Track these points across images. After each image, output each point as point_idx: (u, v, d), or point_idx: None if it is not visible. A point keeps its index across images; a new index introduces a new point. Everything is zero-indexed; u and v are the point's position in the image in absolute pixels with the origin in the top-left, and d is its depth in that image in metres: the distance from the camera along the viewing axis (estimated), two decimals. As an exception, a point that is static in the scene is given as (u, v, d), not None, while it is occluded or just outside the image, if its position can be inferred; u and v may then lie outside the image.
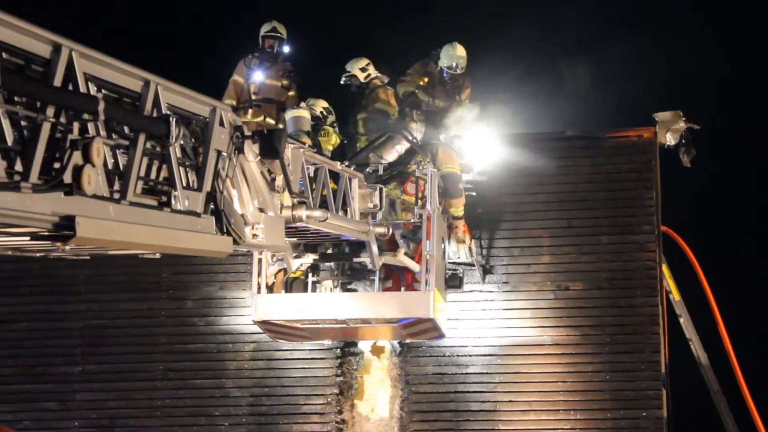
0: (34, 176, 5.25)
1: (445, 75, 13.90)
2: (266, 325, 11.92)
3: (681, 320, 14.41)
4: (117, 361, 14.06)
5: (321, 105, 13.60)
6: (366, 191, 10.71)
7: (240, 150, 7.52)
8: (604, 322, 13.62)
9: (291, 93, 15.31)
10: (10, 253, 6.73)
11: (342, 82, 14.11)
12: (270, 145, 7.76)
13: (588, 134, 14.13)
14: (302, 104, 13.35)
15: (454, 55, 13.92)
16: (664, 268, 14.05)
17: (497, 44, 16.20)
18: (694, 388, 14.36)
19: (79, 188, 5.50)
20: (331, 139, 13.32)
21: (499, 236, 13.99)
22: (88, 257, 7.46)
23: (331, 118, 13.62)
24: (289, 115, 12.67)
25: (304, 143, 9.21)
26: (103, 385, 14.13)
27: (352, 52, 14.44)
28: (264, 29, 15.41)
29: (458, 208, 13.20)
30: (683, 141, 14.22)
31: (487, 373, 13.59)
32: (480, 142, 14.29)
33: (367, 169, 12.23)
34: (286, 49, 15.44)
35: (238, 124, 7.50)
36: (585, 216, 13.91)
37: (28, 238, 5.66)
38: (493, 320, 13.76)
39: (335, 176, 10.20)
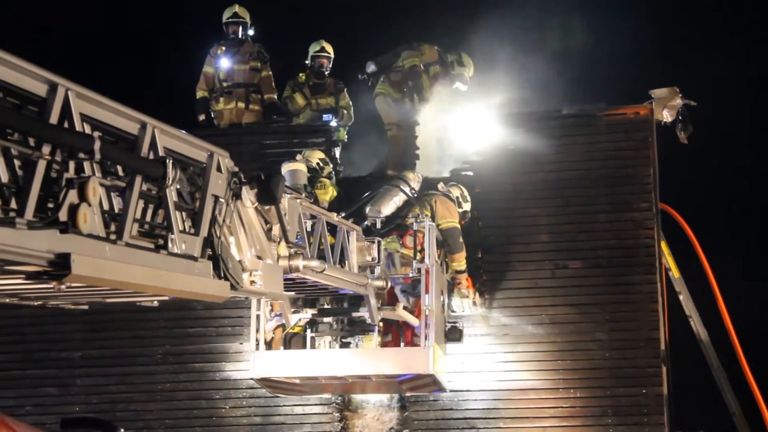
0: (29, 213, 5.25)
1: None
2: (265, 381, 12.00)
3: (680, 297, 14.41)
4: (117, 345, 14.07)
5: (317, 156, 13.51)
6: (364, 244, 10.75)
7: (237, 196, 7.52)
8: (603, 300, 13.61)
9: (264, 74, 15.38)
10: (8, 300, 6.73)
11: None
12: (267, 190, 7.75)
13: (584, 112, 14.08)
14: (298, 157, 13.31)
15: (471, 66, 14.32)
16: (663, 245, 14.05)
17: (491, 22, 16.18)
18: (694, 365, 14.37)
19: (74, 226, 5.51)
20: (328, 192, 13.28)
21: (496, 215, 13.98)
22: (87, 306, 7.45)
23: (328, 169, 13.54)
24: (286, 168, 12.64)
25: (301, 194, 9.19)
26: (104, 370, 14.15)
27: (325, 29, 14.61)
28: (225, 15, 15.54)
29: (460, 262, 13.17)
30: (680, 117, 14.22)
31: (486, 353, 13.57)
32: (476, 121, 14.32)
33: (365, 223, 12.23)
34: (251, 32, 15.51)
35: (236, 170, 7.50)
36: (582, 194, 13.89)
37: (24, 277, 5.63)
38: (490, 299, 13.75)
39: (333, 230, 10.21)
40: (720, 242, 15.30)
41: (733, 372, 14.06)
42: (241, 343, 13.83)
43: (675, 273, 14.35)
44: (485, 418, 13.50)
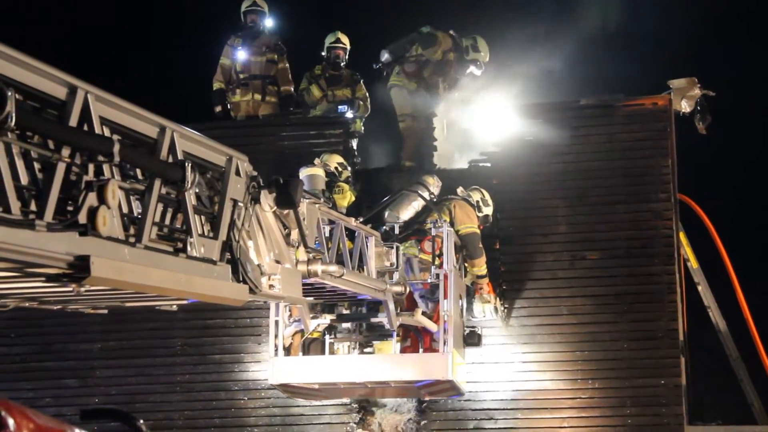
0: (48, 215, 5.26)
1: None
2: (284, 387, 12.06)
3: (699, 288, 14.37)
4: (136, 337, 14.11)
5: (335, 161, 13.48)
6: (382, 250, 10.76)
7: (256, 200, 7.53)
8: (622, 291, 13.60)
9: (280, 65, 15.37)
10: (27, 304, 6.74)
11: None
12: (286, 194, 7.74)
13: (603, 103, 14.06)
14: (316, 161, 13.28)
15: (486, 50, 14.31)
16: (681, 235, 14.02)
17: (508, 11, 16.15)
18: (712, 356, 14.35)
19: (94, 229, 5.50)
20: (346, 196, 13.27)
21: (514, 207, 13.96)
22: (106, 311, 7.48)
23: (346, 173, 13.53)
24: (304, 173, 12.64)
25: (319, 198, 9.17)
26: (123, 362, 14.19)
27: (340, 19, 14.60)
28: (245, 5, 15.54)
29: (481, 267, 13.15)
30: (698, 108, 14.16)
31: (504, 344, 13.58)
32: (493, 113, 14.29)
33: (383, 228, 12.19)
34: (269, 22, 15.58)
35: (254, 174, 7.50)
36: (601, 185, 13.86)
37: (43, 280, 5.64)
38: (507, 290, 13.75)
39: (351, 235, 10.22)
40: (738, 232, 15.24)
41: (751, 362, 14.02)
42: (259, 343, 13.84)
43: (693, 264, 14.31)
44: (503, 409, 13.51)
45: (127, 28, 20.11)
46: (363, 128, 15.47)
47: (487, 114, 14.44)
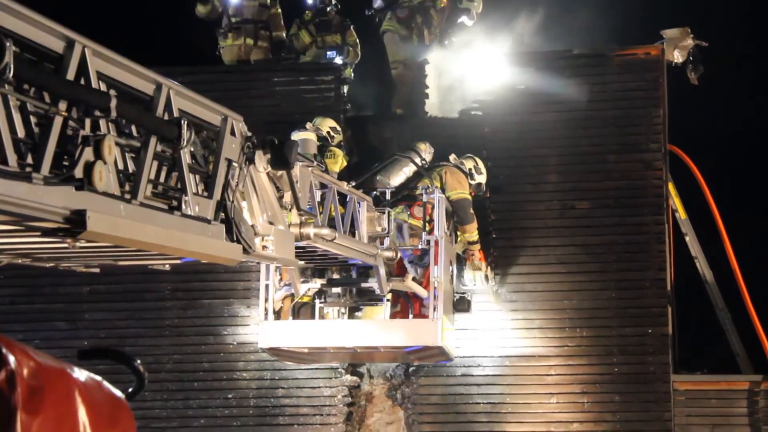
0: (45, 168, 5.25)
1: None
2: (273, 351, 12.09)
3: (687, 238, 14.44)
4: (125, 281, 14.12)
5: (328, 125, 13.38)
6: (374, 215, 10.75)
7: (251, 160, 7.53)
8: (611, 241, 13.66)
9: (273, 10, 15.28)
10: (20, 260, 6.73)
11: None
12: (281, 155, 7.73)
13: (595, 52, 14.04)
14: (308, 125, 13.14)
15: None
16: (670, 186, 14.06)
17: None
18: (699, 306, 14.45)
19: (90, 184, 5.50)
20: (338, 161, 13.18)
21: (504, 156, 13.97)
22: (98, 270, 7.47)
23: (338, 138, 13.43)
24: (295, 137, 12.56)
25: (313, 161, 9.15)
26: (112, 305, 14.21)
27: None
28: None
29: (472, 234, 13.11)
30: (691, 58, 14.16)
31: (494, 292, 13.64)
32: (485, 61, 14.26)
33: (374, 193, 12.14)
34: None
35: (249, 135, 7.50)
36: (592, 135, 13.88)
37: (38, 236, 5.63)
38: (497, 238, 13.79)
39: (343, 201, 10.21)
40: (727, 184, 15.29)
41: (737, 313, 14.12)
42: (248, 289, 13.87)
43: (682, 214, 14.37)
44: (491, 356, 13.60)
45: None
46: (353, 75, 15.42)
47: (479, 62, 14.40)
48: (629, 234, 13.63)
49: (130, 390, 4.43)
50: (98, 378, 4.05)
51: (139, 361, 4.65)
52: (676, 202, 14.25)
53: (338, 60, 15.11)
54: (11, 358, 3.50)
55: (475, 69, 14.48)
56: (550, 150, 13.90)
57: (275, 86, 14.52)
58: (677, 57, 14.09)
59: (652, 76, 13.86)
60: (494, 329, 13.61)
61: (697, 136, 15.55)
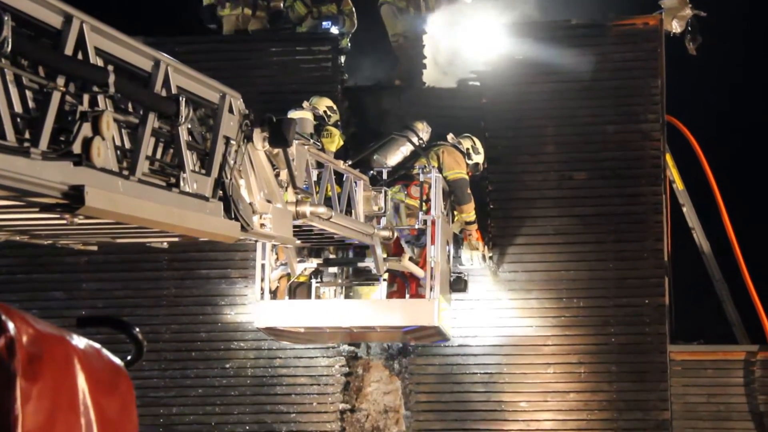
0: (43, 143, 5.23)
1: None
2: (269, 330, 12.05)
3: (684, 209, 14.47)
4: (122, 251, 14.08)
5: (324, 104, 13.32)
6: (371, 194, 10.69)
7: (249, 138, 7.50)
8: (608, 211, 13.67)
9: None
10: (18, 237, 6.72)
11: None
12: (279, 133, 7.69)
13: (593, 23, 13.99)
14: (305, 104, 13.11)
15: None
16: (668, 157, 14.06)
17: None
18: (696, 277, 14.48)
19: (88, 159, 5.48)
20: (335, 140, 13.09)
21: (502, 126, 13.95)
22: (96, 248, 7.46)
23: (335, 117, 13.35)
24: (292, 116, 12.48)
25: (309, 140, 9.11)
26: (109, 275, 14.23)
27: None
28: None
29: (469, 214, 13.07)
30: (689, 28, 14.12)
31: (493, 264, 13.67)
32: (483, 31, 14.21)
33: (371, 172, 12.08)
34: None
35: (247, 112, 7.47)
36: (589, 105, 13.86)
37: (36, 211, 5.62)
38: (494, 209, 13.80)
39: (339, 181, 10.17)
40: (725, 155, 15.28)
41: (733, 284, 14.17)
42: (246, 259, 13.87)
43: (679, 185, 14.39)
44: (488, 327, 13.63)
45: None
46: (350, 45, 15.36)
47: (477, 33, 14.36)
48: (627, 205, 13.64)
49: (128, 358, 4.44)
50: (97, 345, 4.06)
51: (137, 329, 4.65)
52: (673, 172, 14.26)
53: (335, 30, 15.04)
54: (10, 325, 3.50)
55: (473, 40, 14.43)
56: (548, 121, 13.89)
57: (272, 57, 14.49)
58: (675, 27, 14.05)
59: (651, 46, 13.83)
60: (491, 299, 13.64)
61: (695, 106, 15.53)
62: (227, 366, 13.96)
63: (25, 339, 3.56)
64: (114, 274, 14.20)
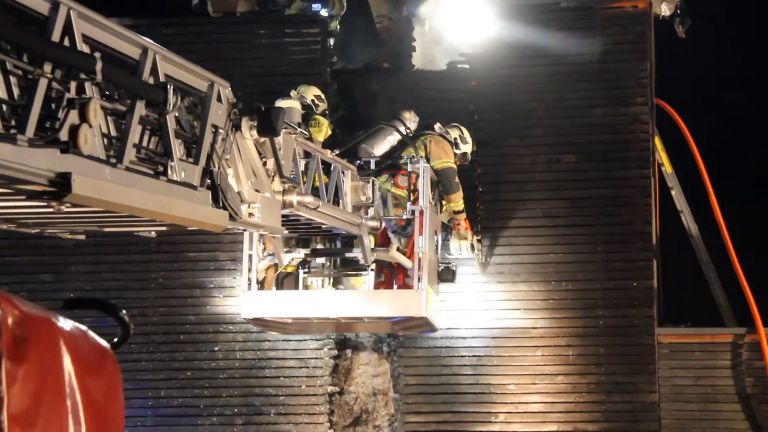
0: (30, 130, 5.22)
1: None
2: (257, 321, 12.07)
3: (672, 192, 14.49)
4: (111, 234, 14.05)
5: (312, 93, 13.21)
6: (358, 184, 10.69)
7: (237, 127, 7.49)
8: (597, 194, 13.68)
9: None
10: (5, 226, 6.69)
11: None
12: (267, 122, 7.67)
13: (582, 5, 13.96)
14: (292, 93, 13.02)
15: None
16: (657, 140, 14.07)
17: None
18: (684, 259, 14.50)
19: (75, 147, 5.46)
20: (322, 130, 12.98)
21: (491, 109, 13.93)
22: (83, 237, 7.43)
23: (323, 106, 13.26)
24: (279, 105, 12.40)
25: (297, 128, 9.08)
26: (98, 258, 14.19)
27: None
28: None
29: (457, 203, 13.02)
30: (678, 11, 14.12)
31: (481, 248, 13.67)
32: (473, 14, 14.18)
33: (358, 162, 12.00)
34: None
35: (235, 101, 7.46)
36: (578, 88, 13.84)
37: (23, 199, 5.59)
38: (483, 192, 13.80)
39: (327, 171, 10.14)
40: (713, 138, 15.28)
41: (721, 266, 14.20)
42: (234, 242, 13.84)
43: (668, 168, 14.40)
44: (476, 310, 13.64)
45: None
46: (339, 27, 15.30)
47: (466, 15, 14.32)
48: (615, 188, 13.65)
49: (115, 340, 4.44)
50: (83, 327, 4.06)
51: (124, 311, 4.65)
52: (662, 156, 14.27)
53: (324, 12, 14.98)
54: (-4, 307, 3.49)
55: (462, 21, 14.40)
56: (537, 103, 13.88)
57: (261, 38, 14.44)
58: (664, 10, 14.05)
59: (639, 29, 13.82)
60: (480, 282, 13.65)
61: (684, 89, 15.52)
62: (216, 349, 13.96)
63: (10, 321, 3.56)
64: (102, 257, 14.16)
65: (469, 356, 13.66)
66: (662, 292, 13.96)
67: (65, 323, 3.92)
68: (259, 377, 13.89)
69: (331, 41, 14.62)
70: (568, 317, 13.56)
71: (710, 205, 14.06)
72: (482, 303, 13.64)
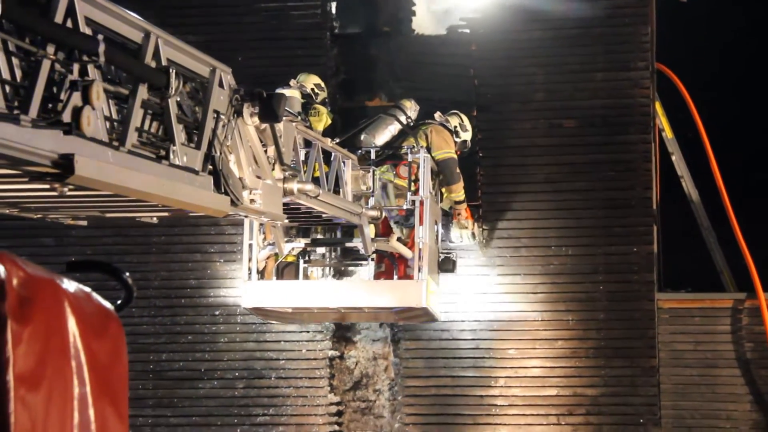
0: (33, 111, 5.20)
1: None
2: (257, 310, 12.05)
3: (673, 157, 14.50)
4: (112, 219, 14.05)
5: (312, 81, 13.14)
6: (359, 173, 10.65)
7: (239, 113, 7.47)
8: (597, 159, 13.67)
9: None
10: (7, 210, 6.68)
11: None
12: (269, 108, 7.63)
13: (584, -31, 13.93)
14: (292, 82, 12.94)
15: None
16: (657, 105, 14.05)
17: None
18: (684, 225, 14.52)
19: (78, 128, 5.45)
20: (322, 119, 12.95)
21: (492, 74, 13.91)
22: (85, 222, 7.43)
23: (323, 95, 13.21)
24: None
25: (297, 117, 9.05)
26: (99, 221, 14.16)
27: None
28: None
29: (458, 193, 12.95)
30: (681, -25, 14.09)
31: (482, 209, 13.69)
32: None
33: (359, 151, 11.91)
34: None
35: (237, 87, 7.44)
36: (579, 53, 13.80)
37: (25, 182, 5.59)
38: (484, 157, 13.80)
39: (327, 161, 10.11)
40: (714, 103, 15.25)
41: (721, 232, 14.21)
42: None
43: (668, 133, 14.40)
44: (476, 275, 13.68)
45: None
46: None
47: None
48: (616, 153, 13.64)
49: (118, 302, 4.45)
50: (87, 289, 4.07)
51: (127, 274, 4.66)
52: (662, 120, 14.27)
53: None
54: (1, 268, 3.49)
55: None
56: (538, 68, 13.85)
57: (262, 3, 14.37)
58: (666, -27, 14.00)
59: (641, -8, 13.78)
60: (480, 248, 13.66)
61: (684, 54, 15.48)
62: (217, 313, 14.00)
63: (15, 282, 3.56)
64: (103, 221, 14.13)
65: (468, 321, 13.70)
66: (662, 258, 13.99)
67: (70, 285, 3.93)
68: (259, 341, 13.94)
69: (333, 5, 14.57)
70: (568, 282, 13.59)
71: (711, 170, 14.07)
72: (482, 268, 13.67)
